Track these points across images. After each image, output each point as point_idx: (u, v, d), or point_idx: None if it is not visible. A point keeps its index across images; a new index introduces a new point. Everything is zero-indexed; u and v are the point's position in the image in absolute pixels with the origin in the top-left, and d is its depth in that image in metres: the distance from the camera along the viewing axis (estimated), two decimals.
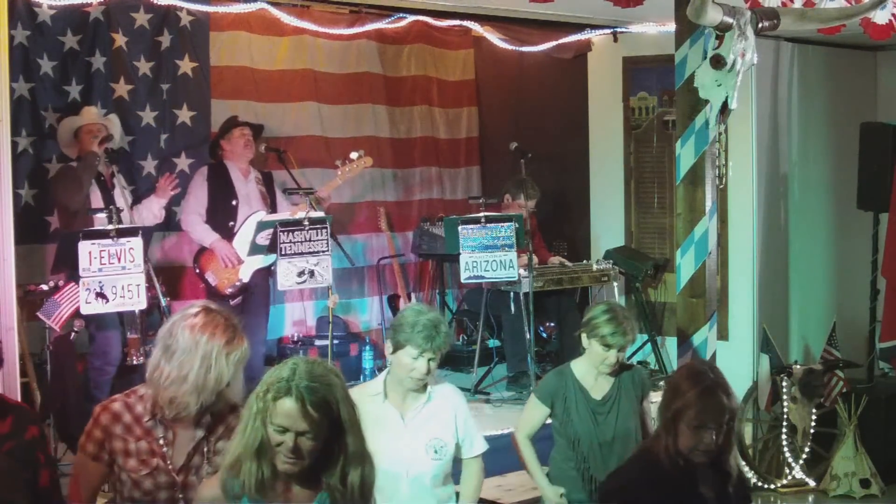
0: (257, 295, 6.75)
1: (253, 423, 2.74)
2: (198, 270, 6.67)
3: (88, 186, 6.09)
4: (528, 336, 6.87)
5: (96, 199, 6.14)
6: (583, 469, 4.37)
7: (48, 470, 3.24)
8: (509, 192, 7.61)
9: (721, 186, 5.53)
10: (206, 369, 3.07)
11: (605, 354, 4.34)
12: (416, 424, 3.92)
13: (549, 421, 4.56)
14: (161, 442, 3.16)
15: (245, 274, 6.62)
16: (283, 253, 6.09)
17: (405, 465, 3.87)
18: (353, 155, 7.03)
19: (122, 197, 6.14)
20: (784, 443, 7.01)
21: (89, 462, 3.16)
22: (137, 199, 6.53)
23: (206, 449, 3.19)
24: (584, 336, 4.42)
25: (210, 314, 3.14)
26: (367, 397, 3.85)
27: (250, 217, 6.62)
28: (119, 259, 5.43)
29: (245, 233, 6.60)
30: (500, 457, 5.79)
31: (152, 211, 6.43)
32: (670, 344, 7.40)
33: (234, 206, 6.70)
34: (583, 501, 4.36)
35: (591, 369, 4.44)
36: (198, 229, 6.66)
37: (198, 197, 6.67)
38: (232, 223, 6.68)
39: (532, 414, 4.51)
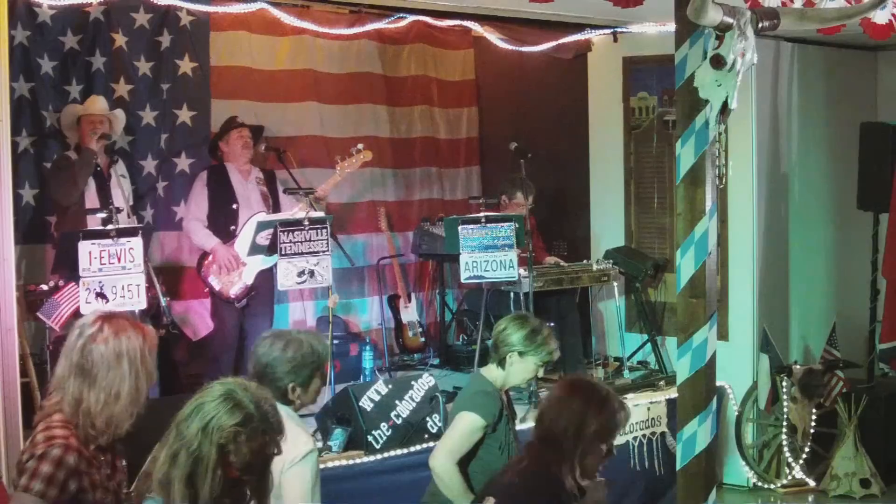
0: (262, 296, 6.75)
1: (205, 453, 2.65)
2: (202, 275, 6.67)
3: (84, 184, 6.08)
4: None
5: (93, 197, 6.14)
6: None
7: None
8: (505, 192, 7.61)
9: (721, 186, 5.52)
10: (136, 375, 3.00)
11: (537, 370, 4.39)
12: None
13: None
14: (106, 464, 3.11)
15: (249, 276, 6.62)
16: (283, 253, 6.09)
17: None
18: (353, 150, 7.03)
19: (121, 196, 6.12)
20: (784, 443, 7.02)
21: None
22: (139, 197, 6.52)
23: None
24: (513, 354, 4.35)
25: (111, 319, 3.04)
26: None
27: (250, 220, 6.62)
28: (119, 259, 5.43)
29: (246, 236, 6.60)
30: None
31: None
32: (670, 344, 7.40)
33: (235, 209, 6.70)
34: None
35: (505, 384, 4.42)
36: (199, 234, 6.66)
37: (198, 202, 6.68)
38: (233, 227, 6.68)
39: (470, 436, 4.33)
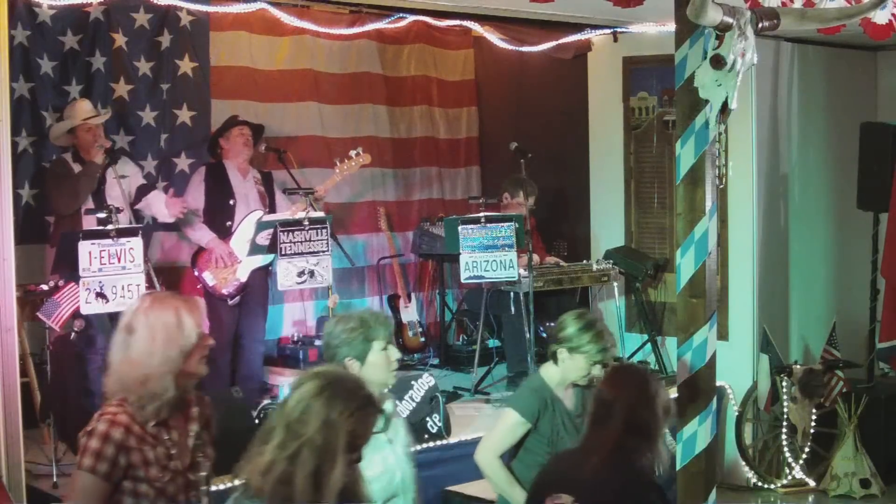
0: (256, 294, 6.74)
1: (332, 444, 2.68)
2: (196, 271, 6.66)
3: (85, 198, 6.06)
4: (528, 336, 6.87)
5: (89, 199, 6.13)
6: None
7: None
8: (507, 190, 7.61)
9: (721, 186, 5.52)
10: (166, 342, 3.09)
11: (590, 369, 4.31)
12: None
13: None
14: (169, 444, 3.16)
15: (243, 273, 6.61)
16: (282, 253, 6.09)
17: None
18: (352, 153, 7.03)
19: (120, 196, 6.12)
20: (784, 443, 7.02)
21: (100, 483, 3.04)
22: (145, 192, 6.49)
23: (201, 443, 3.22)
24: (562, 350, 4.34)
25: (152, 295, 3.24)
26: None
27: (248, 216, 6.62)
28: (119, 259, 5.43)
29: (243, 232, 6.60)
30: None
31: (160, 210, 6.42)
32: (670, 344, 7.40)
33: (232, 205, 6.70)
34: None
35: (563, 381, 4.38)
36: (195, 229, 6.65)
37: (195, 197, 6.67)
38: (229, 223, 6.67)
39: (512, 432, 4.34)
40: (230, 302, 6.60)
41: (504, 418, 4.39)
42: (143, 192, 6.43)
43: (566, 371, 4.34)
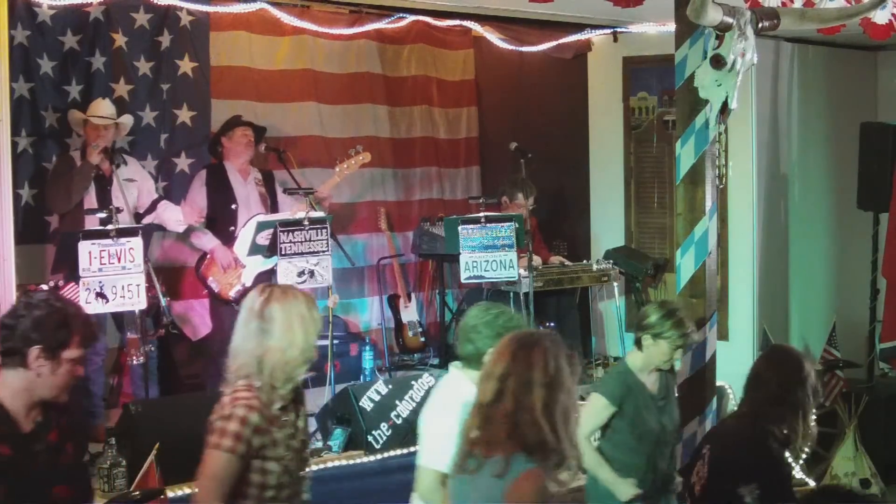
0: None
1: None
2: (200, 276, 6.66)
3: (78, 198, 6.07)
4: None
5: (92, 200, 6.13)
6: (653, 460, 4.52)
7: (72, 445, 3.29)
8: (506, 192, 7.61)
9: (721, 186, 5.53)
10: (305, 326, 3.40)
11: (672, 354, 4.52)
12: None
13: None
14: (290, 425, 3.43)
15: (247, 278, 6.61)
16: (283, 253, 6.08)
17: None
18: (351, 151, 7.03)
19: (123, 200, 6.11)
20: None
21: (236, 463, 3.27)
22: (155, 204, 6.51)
23: (306, 423, 3.60)
24: (647, 336, 4.53)
25: (275, 286, 3.52)
26: None
27: (250, 220, 6.61)
28: (119, 259, 5.43)
29: (245, 237, 6.59)
30: None
31: (171, 219, 6.46)
32: None
33: (234, 210, 6.69)
34: (648, 489, 4.48)
35: (646, 366, 4.57)
36: (199, 234, 6.65)
37: (197, 202, 6.66)
38: (232, 227, 6.66)
39: (598, 414, 4.56)
40: (236, 307, 6.59)
41: (591, 402, 4.61)
42: (154, 203, 6.45)
43: (650, 356, 4.54)
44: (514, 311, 4.14)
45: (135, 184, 6.35)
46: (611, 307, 7.79)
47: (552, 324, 7.91)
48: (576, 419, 3.00)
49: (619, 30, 7.90)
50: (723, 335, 6.85)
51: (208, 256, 6.63)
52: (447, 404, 3.70)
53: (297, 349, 3.38)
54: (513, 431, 2.91)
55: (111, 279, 5.39)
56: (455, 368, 3.87)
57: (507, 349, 3.02)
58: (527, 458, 2.89)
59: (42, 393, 3.19)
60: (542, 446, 2.91)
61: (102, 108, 6.32)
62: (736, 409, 4.09)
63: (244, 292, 6.59)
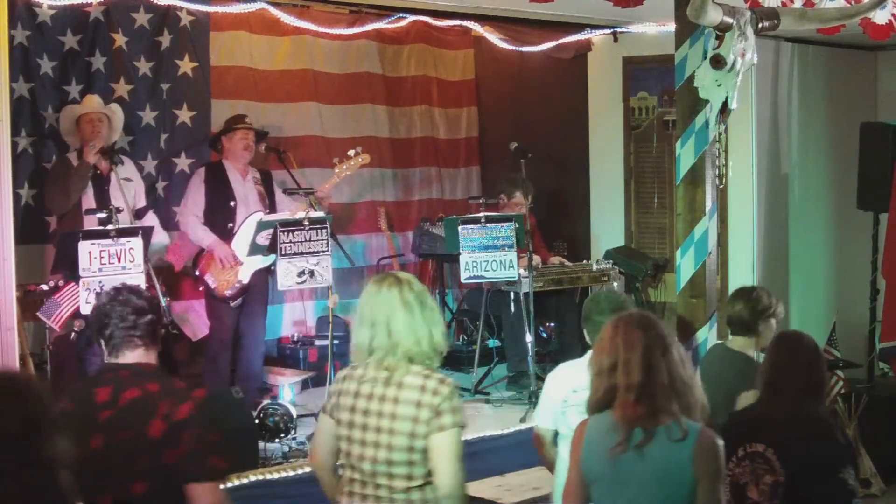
0: (256, 295, 6.73)
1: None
2: (197, 273, 6.65)
3: (76, 198, 6.06)
4: (528, 336, 6.87)
5: (90, 200, 6.13)
6: None
7: (162, 421, 3.26)
8: (504, 191, 7.61)
9: (721, 186, 5.53)
10: (423, 310, 3.42)
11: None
12: None
13: None
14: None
15: (245, 275, 6.60)
16: (283, 253, 6.08)
17: None
18: (350, 152, 7.03)
19: (122, 199, 6.11)
20: None
21: (325, 418, 3.46)
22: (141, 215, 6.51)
23: None
24: (770, 319, 4.63)
25: (396, 273, 3.56)
26: None
27: (249, 218, 6.61)
28: (119, 259, 5.43)
29: (244, 234, 6.59)
30: (501, 456, 5.81)
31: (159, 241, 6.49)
32: None
33: (233, 207, 6.68)
34: None
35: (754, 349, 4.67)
36: (196, 231, 6.64)
37: (195, 198, 6.65)
38: (231, 224, 6.66)
39: None
40: (232, 304, 6.59)
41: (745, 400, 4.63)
42: (140, 214, 6.43)
43: (763, 339, 4.58)
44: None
45: (132, 184, 6.34)
46: None
47: (552, 323, 7.93)
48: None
49: (619, 30, 7.90)
50: (723, 335, 6.84)
51: (206, 253, 6.62)
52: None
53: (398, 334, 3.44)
54: (675, 398, 3.10)
55: (111, 279, 5.37)
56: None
57: (634, 329, 3.16)
58: (689, 419, 3.10)
59: None
60: (695, 405, 3.14)
61: (93, 101, 6.34)
62: (756, 404, 4.02)
63: (241, 290, 6.60)
